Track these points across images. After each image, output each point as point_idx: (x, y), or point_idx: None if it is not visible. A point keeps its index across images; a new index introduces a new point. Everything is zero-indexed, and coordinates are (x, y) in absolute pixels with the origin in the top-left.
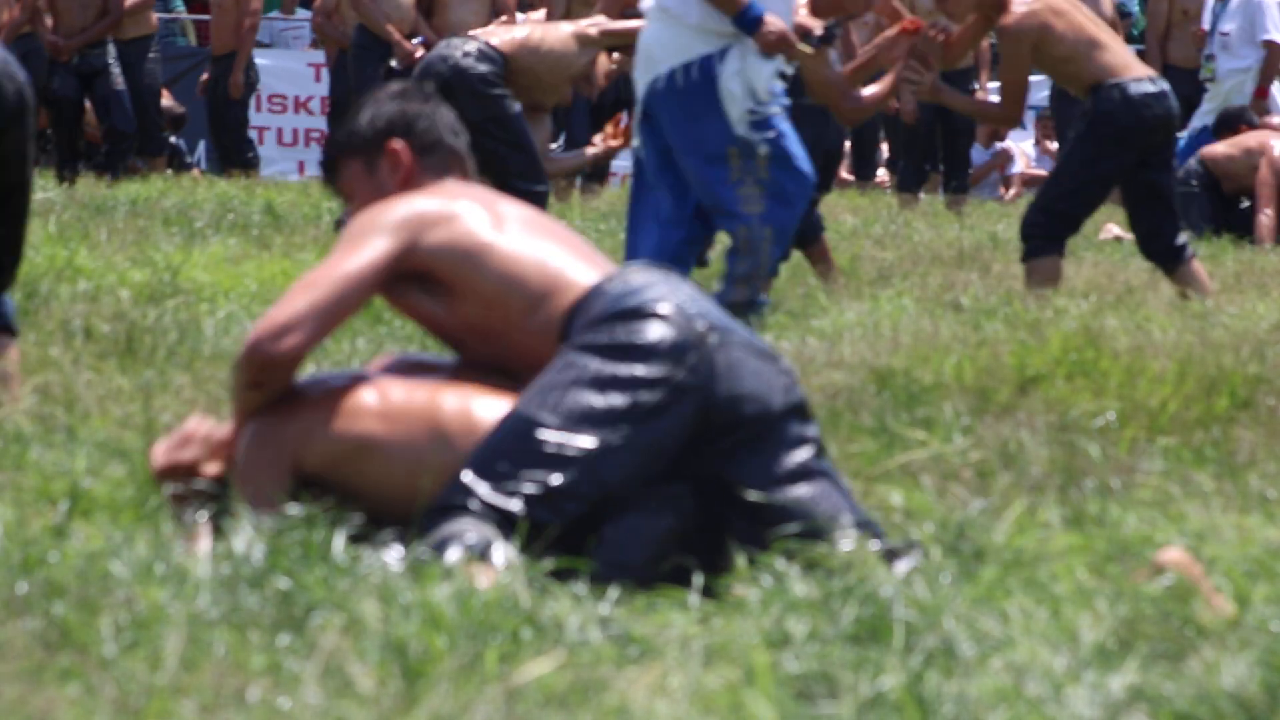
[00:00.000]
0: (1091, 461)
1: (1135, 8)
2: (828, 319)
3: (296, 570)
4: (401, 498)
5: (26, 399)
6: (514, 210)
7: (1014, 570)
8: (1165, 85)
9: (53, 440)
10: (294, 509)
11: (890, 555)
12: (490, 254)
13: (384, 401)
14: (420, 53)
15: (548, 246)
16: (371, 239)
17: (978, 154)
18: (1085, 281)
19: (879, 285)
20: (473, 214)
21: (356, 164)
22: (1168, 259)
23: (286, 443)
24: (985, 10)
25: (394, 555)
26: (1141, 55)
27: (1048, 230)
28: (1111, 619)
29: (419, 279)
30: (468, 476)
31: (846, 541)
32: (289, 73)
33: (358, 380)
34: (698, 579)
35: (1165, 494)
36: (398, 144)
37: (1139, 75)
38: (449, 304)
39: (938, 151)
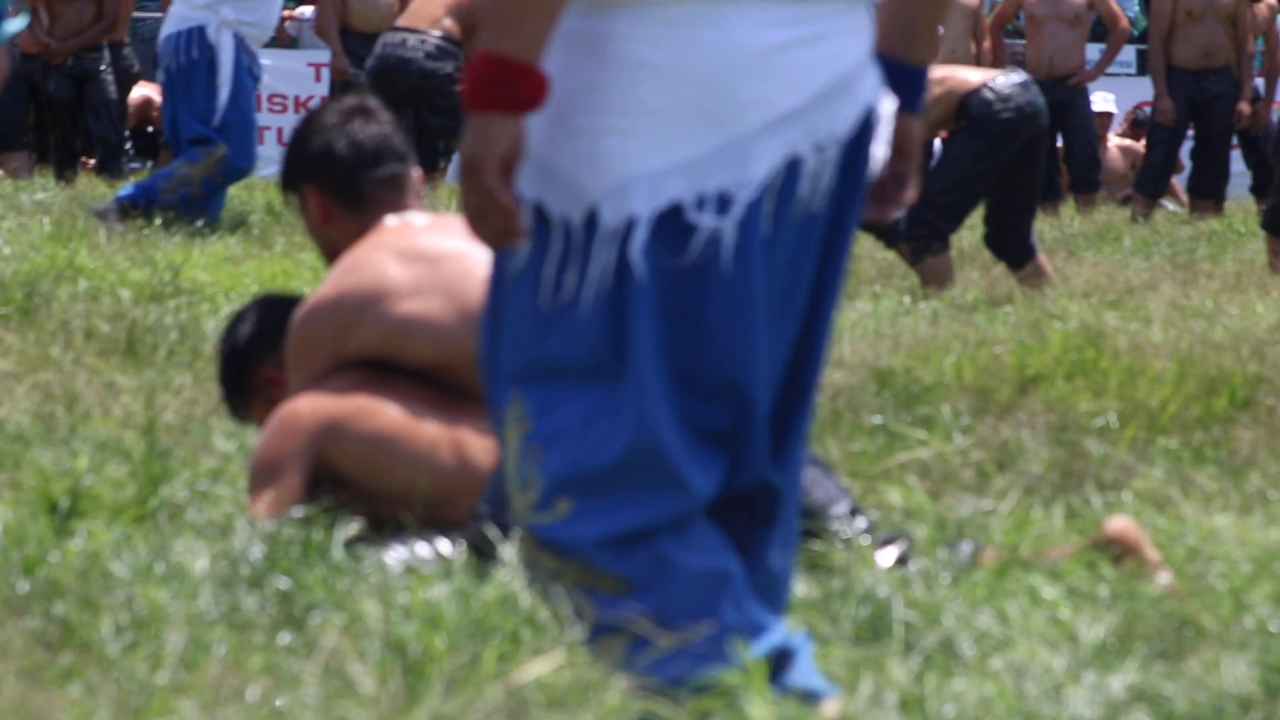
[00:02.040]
0: (1091, 461)
1: (1135, 9)
2: None
3: (296, 570)
4: (426, 506)
5: (26, 399)
6: (446, 245)
7: (1013, 570)
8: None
9: (53, 440)
10: (295, 510)
11: (881, 544)
12: (417, 326)
13: (415, 413)
14: None
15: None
16: (299, 367)
17: None
18: (1085, 281)
19: (879, 285)
20: (389, 287)
21: (295, 196)
22: (1018, 255)
23: (312, 438)
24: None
25: (420, 550)
26: (1143, 56)
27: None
28: (1111, 619)
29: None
30: (485, 509)
31: (841, 529)
32: (289, 73)
33: (387, 383)
34: None
35: (1165, 494)
36: (312, 191)
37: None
38: (399, 369)
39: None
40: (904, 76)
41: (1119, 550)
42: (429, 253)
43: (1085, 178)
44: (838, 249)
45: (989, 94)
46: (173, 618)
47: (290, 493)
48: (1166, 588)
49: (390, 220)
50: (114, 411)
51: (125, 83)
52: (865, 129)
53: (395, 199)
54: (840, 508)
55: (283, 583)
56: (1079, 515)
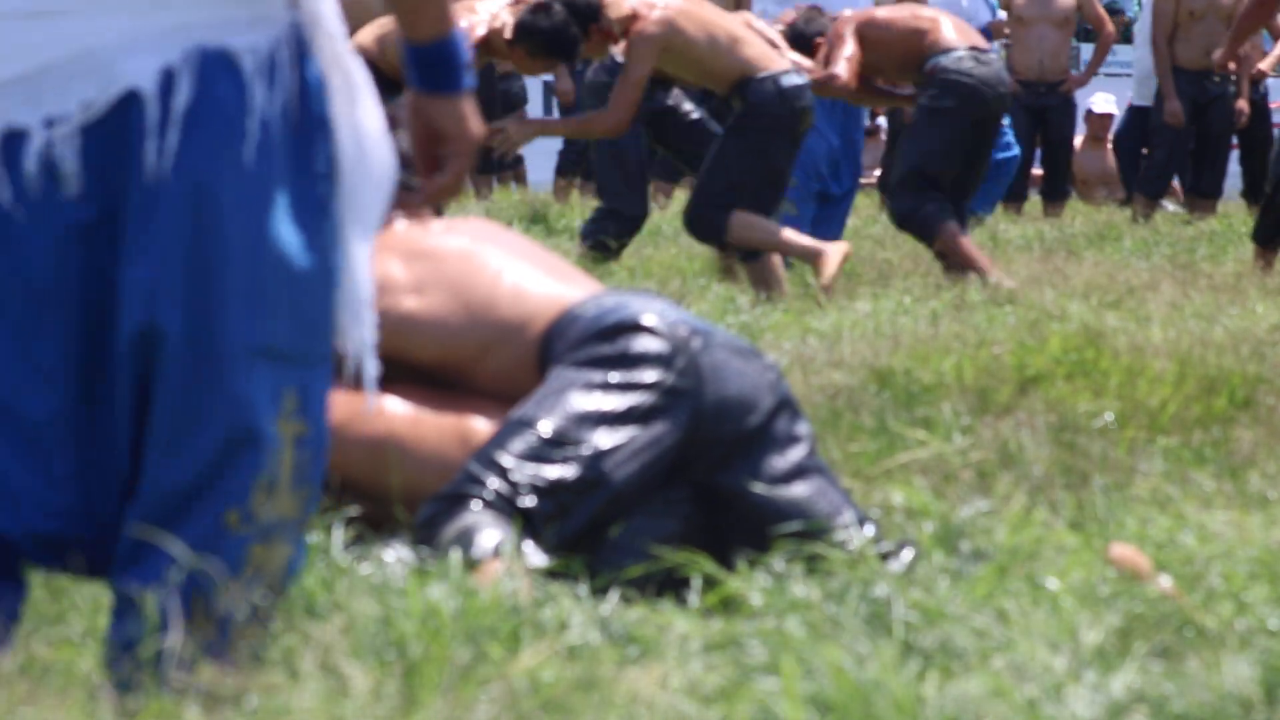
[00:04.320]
0: (1091, 461)
1: (1134, 9)
2: (827, 319)
3: None
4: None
5: None
6: (451, 247)
7: (1014, 570)
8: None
9: None
10: None
11: (887, 556)
12: (415, 321)
13: (416, 408)
14: None
15: (496, 283)
16: None
17: None
18: (1085, 282)
19: (879, 285)
20: (392, 280)
21: None
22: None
23: None
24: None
25: (402, 552)
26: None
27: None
28: (1111, 619)
29: None
30: (474, 468)
31: (847, 538)
32: None
33: (390, 385)
34: (697, 579)
35: (1165, 494)
36: None
37: (786, 67)
38: (395, 368)
39: None
40: (413, 57)
41: (1124, 575)
42: (433, 251)
43: (1057, 186)
44: (139, 249)
45: (948, 62)
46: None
47: None
48: (1167, 590)
49: (399, 224)
50: None
51: None
52: (135, 115)
53: (406, 203)
54: (846, 517)
55: None
56: (1081, 517)
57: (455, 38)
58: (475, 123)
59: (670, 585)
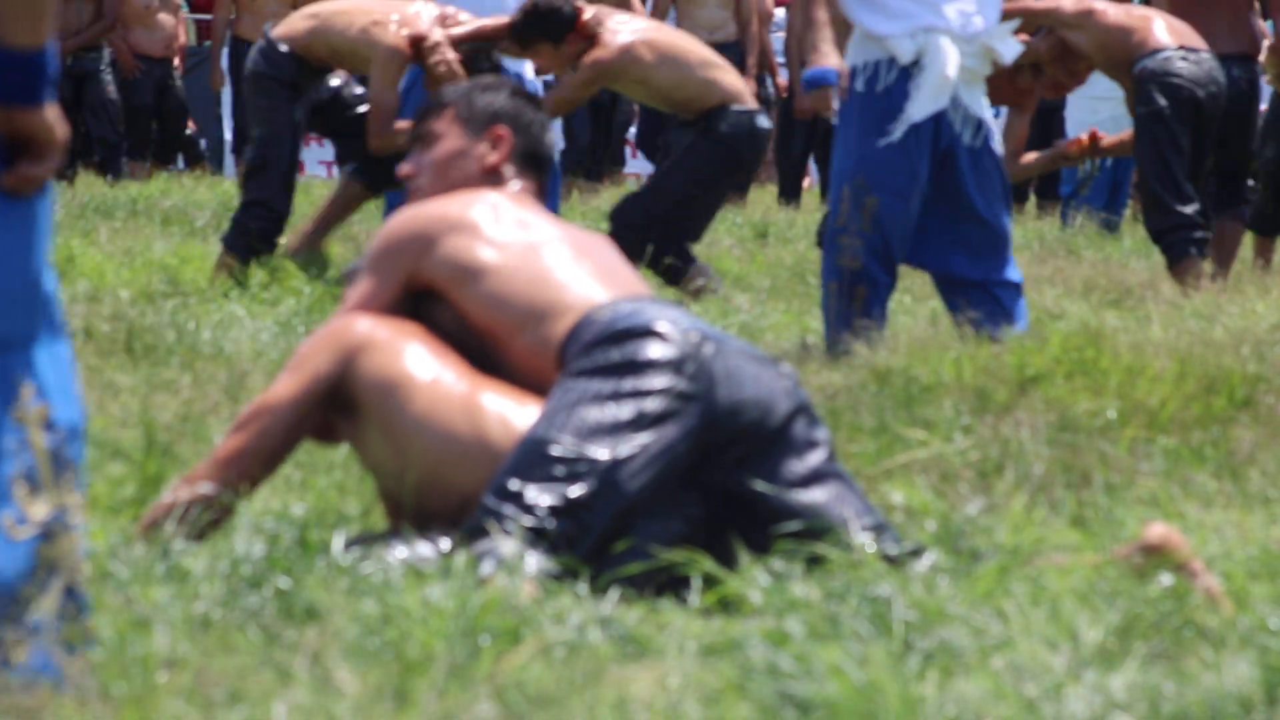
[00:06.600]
0: (1091, 461)
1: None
2: None
3: (296, 570)
4: (424, 472)
5: None
6: (540, 228)
7: (1014, 570)
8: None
9: None
10: (295, 507)
11: (906, 557)
12: (484, 273)
13: (439, 372)
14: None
15: (557, 267)
16: (376, 269)
17: None
18: (1085, 281)
19: None
20: (481, 228)
21: (459, 122)
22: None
23: (352, 351)
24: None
25: (404, 551)
26: None
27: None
28: (1111, 618)
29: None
30: (491, 501)
31: (859, 541)
32: None
33: (432, 340)
34: (698, 579)
35: (1165, 494)
36: (505, 132)
37: (758, 108)
38: (441, 312)
39: None
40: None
41: (1160, 559)
42: (526, 222)
43: (1048, 185)
44: None
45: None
46: (172, 618)
47: (308, 380)
48: (1210, 593)
49: (514, 184)
50: (112, 411)
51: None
52: None
53: (534, 189)
54: (865, 522)
55: (282, 583)
56: (1082, 516)
57: (48, 50)
58: (63, 126)
59: (670, 585)
